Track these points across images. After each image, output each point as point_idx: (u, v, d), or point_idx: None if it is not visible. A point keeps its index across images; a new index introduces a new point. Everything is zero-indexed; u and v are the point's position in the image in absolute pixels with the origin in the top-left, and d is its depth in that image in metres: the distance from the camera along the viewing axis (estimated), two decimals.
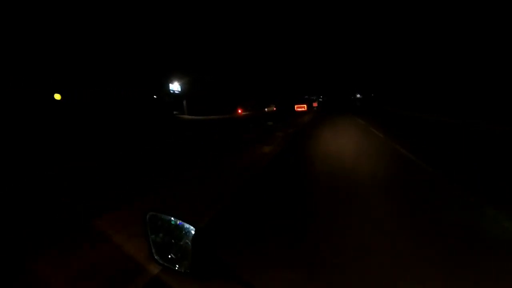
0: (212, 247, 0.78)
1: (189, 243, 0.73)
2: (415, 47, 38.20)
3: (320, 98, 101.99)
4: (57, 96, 17.33)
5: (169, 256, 0.78)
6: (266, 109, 45.91)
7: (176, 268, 0.76)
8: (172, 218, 0.78)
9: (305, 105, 39.74)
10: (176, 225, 0.77)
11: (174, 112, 38.31)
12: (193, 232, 0.74)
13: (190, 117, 35.52)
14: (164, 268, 0.80)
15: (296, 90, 69.92)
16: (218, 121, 28.08)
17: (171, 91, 35.06)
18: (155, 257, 0.80)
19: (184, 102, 37.57)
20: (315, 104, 43.36)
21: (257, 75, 54.18)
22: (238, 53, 49.78)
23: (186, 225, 0.75)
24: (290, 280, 2.10)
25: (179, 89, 36.77)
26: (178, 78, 36.21)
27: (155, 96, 31.46)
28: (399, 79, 50.00)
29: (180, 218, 0.77)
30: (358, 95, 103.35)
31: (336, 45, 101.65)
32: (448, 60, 27.73)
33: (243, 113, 41.99)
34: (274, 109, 43.35)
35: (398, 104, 37.61)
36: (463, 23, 23.97)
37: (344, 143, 9.90)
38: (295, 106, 39.87)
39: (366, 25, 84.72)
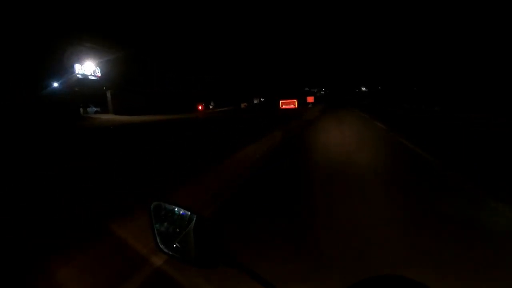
0: (216, 235, 0.73)
1: (192, 231, 0.73)
2: (428, 35, 36.11)
3: (322, 91, 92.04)
4: None
5: (174, 245, 0.76)
6: (242, 105, 33.14)
7: (180, 256, 0.75)
8: (176, 207, 0.77)
9: (295, 101, 26.80)
10: (180, 214, 0.77)
11: (95, 109, 25.33)
12: (195, 219, 0.73)
13: (111, 117, 22.37)
14: (169, 257, 0.78)
15: (294, 82, 56.57)
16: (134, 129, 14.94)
17: (79, 76, 21.94)
18: (160, 246, 0.79)
19: (108, 95, 24.46)
20: (310, 99, 30.18)
21: (239, 63, 40.78)
22: (209, 29, 36.29)
23: (190, 214, 0.74)
24: None
25: (98, 74, 23.65)
26: (95, 56, 23.05)
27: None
28: (411, 70, 43.43)
29: (184, 207, 0.76)
30: (364, 88, 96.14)
31: (339, 35, 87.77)
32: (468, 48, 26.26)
33: (208, 112, 28.88)
34: (245, 105, 30.55)
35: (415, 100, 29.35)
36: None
37: None
38: (280, 102, 26.93)
39: (370, 15, 72.14)
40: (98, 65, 23.54)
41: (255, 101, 42.95)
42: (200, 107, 28.07)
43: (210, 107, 30.71)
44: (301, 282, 1.85)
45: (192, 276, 1.76)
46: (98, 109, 24.83)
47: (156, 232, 0.79)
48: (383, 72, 76.27)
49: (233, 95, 35.26)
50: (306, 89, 72.49)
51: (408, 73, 52.36)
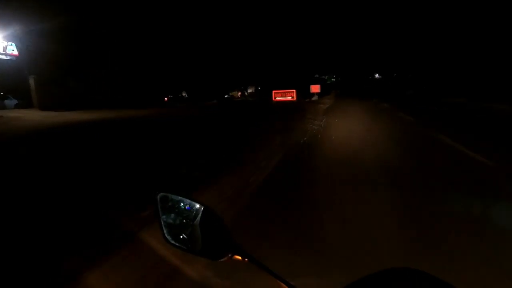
0: (222, 226, 0.74)
1: (199, 222, 0.73)
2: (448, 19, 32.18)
3: (333, 78, 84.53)
4: None
5: (181, 237, 0.76)
6: (230, 94, 26.32)
7: (188, 248, 0.75)
8: (183, 198, 0.77)
9: (294, 91, 19.64)
10: (186, 205, 0.76)
11: (15, 102, 18.59)
12: (202, 211, 0.73)
13: (24, 115, 15.51)
14: (176, 248, 0.78)
15: (300, 69, 48.47)
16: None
17: None
18: (167, 238, 0.78)
19: (32, 82, 17.59)
20: (315, 89, 22.67)
21: (230, 43, 33.24)
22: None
23: (196, 205, 0.74)
24: None
25: (14, 52, 16.82)
26: (8, 26, 16.14)
27: None
28: (429, 56, 38.70)
29: (190, 198, 0.76)
30: (377, 75, 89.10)
31: (351, 17, 78.21)
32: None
33: (179, 107, 21.82)
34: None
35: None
36: None
37: None
38: (273, 92, 19.85)
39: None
40: (13, 39, 16.66)
41: (250, 90, 35.70)
42: (166, 100, 21.04)
43: (185, 99, 23.65)
44: (308, 274, 1.84)
45: (200, 267, 1.75)
46: (18, 101, 18.07)
47: (162, 223, 0.78)
48: (398, 58, 67.53)
49: (219, 83, 27.94)
50: (316, 76, 65.38)
51: (427, 59, 44.63)
